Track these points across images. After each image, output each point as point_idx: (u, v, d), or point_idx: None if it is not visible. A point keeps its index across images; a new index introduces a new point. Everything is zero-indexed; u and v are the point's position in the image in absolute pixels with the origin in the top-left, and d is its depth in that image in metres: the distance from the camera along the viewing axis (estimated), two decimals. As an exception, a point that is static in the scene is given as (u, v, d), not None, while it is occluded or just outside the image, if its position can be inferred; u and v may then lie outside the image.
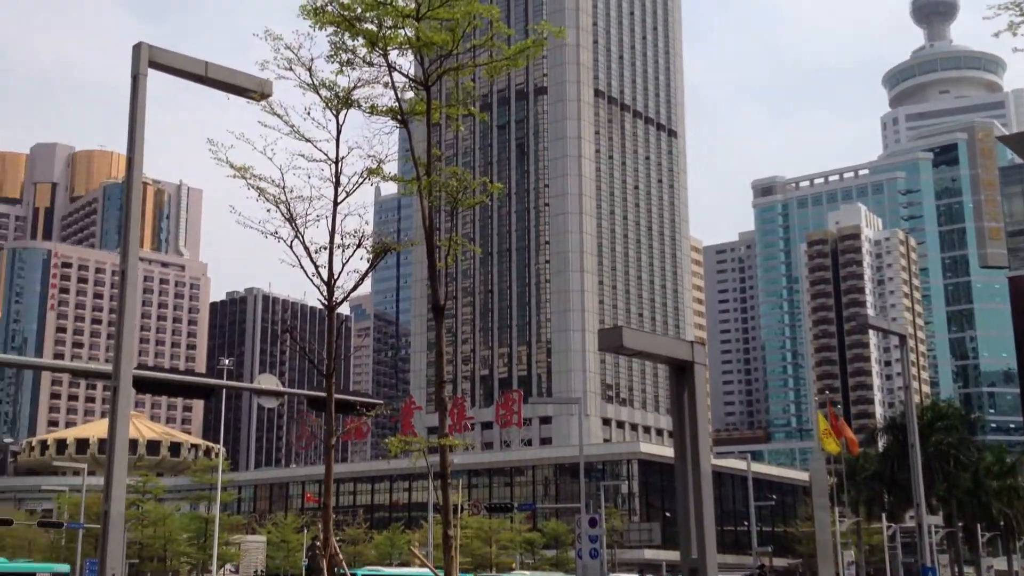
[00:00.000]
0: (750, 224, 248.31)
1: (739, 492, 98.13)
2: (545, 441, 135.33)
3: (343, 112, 17.15)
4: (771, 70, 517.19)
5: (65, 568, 54.53)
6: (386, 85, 17.23)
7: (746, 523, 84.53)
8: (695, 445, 10.94)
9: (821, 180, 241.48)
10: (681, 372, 11.21)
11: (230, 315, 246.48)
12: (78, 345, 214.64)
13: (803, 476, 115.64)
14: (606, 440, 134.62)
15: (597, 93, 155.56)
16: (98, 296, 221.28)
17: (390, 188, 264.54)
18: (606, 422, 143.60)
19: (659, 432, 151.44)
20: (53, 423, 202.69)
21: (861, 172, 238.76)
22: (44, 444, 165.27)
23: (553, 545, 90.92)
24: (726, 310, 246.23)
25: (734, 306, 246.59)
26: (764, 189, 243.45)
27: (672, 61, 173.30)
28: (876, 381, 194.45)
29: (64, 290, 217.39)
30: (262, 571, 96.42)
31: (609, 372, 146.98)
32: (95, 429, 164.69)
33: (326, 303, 17.82)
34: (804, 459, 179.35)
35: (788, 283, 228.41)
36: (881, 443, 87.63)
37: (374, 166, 17.45)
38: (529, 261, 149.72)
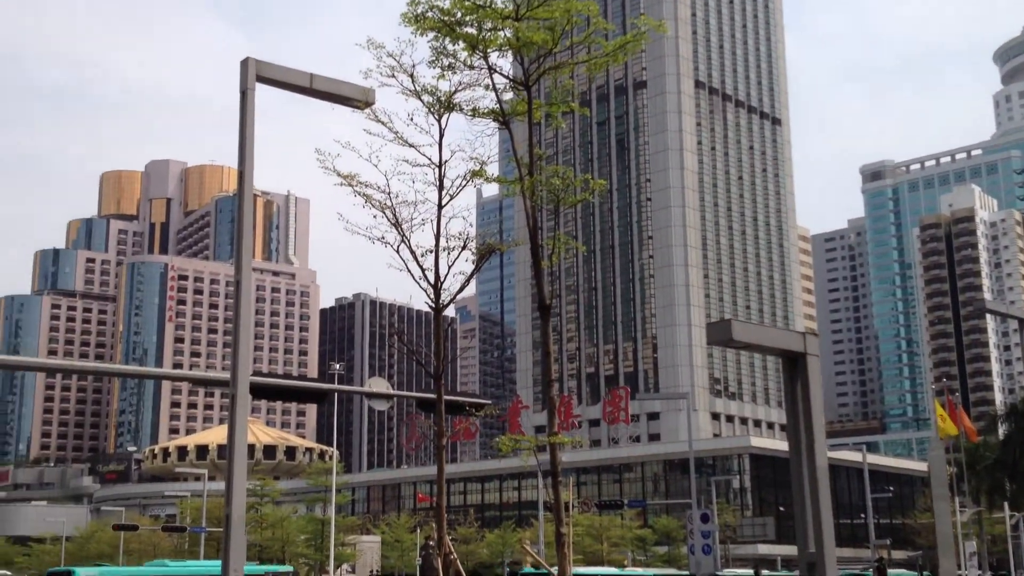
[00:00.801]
0: (859, 210, 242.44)
1: (855, 484, 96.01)
2: (653, 437, 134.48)
3: (445, 116, 17.33)
4: (874, 51, 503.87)
5: (289, 568, 56.22)
6: (487, 87, 17.37)
7: (863, 516, 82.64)
8: (810, 438, 10.78)
9: (932, 162, 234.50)
10: (793, 364, 11.06)
11: (339, 321, 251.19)
12: (195, 354, 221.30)
13: (921, 466, 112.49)
14: (716, 435, 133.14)
15: (698, 84, 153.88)
16: (213, 306, 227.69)
17: (491, 190, 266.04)
18: (715, 417, 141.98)
19: (770, 426, 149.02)
20: (174, 431, 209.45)
21: (974, 152, 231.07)
22: (166, 451, 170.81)
23: (665, 541, 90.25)
24: (836, 299, 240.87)
25: (845, 295, 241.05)
26: (873, 174, 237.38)
27: (773, 47, 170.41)
28: (995, 367, 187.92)
29: (181, 302, 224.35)
30: (377, 571, 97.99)
31: (717, 366, 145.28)
32: (214, 435, 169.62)
33: (433, 306, 18.02)
34: (922, 449, 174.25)
35: (901, 269, 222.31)
36: (1002, 430, 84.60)
37: (477, 168, 17.57)
38: (633, 257, 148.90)
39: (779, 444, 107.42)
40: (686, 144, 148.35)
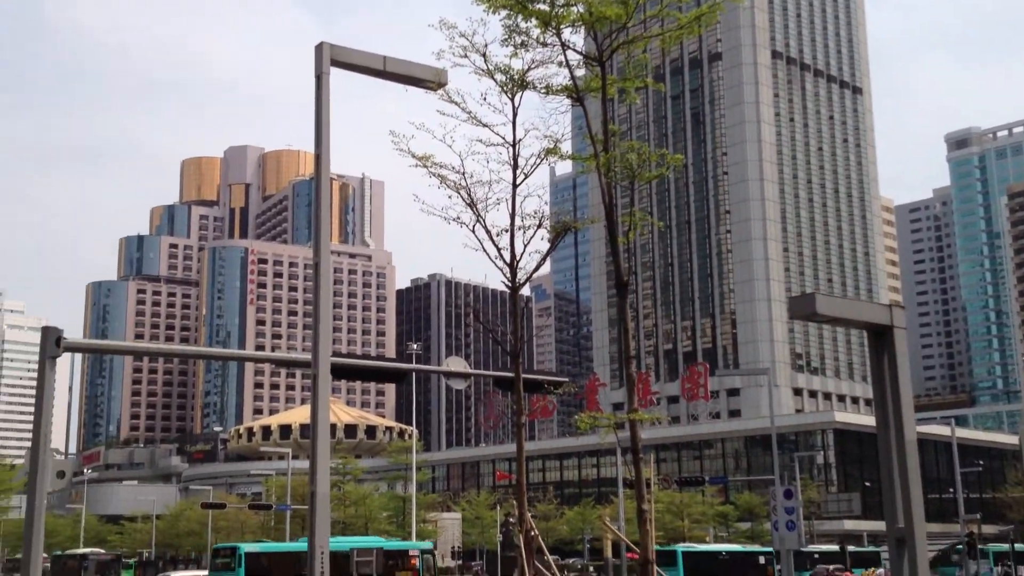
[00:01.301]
0: (945, 180, 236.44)
1: (943, 459, 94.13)
2: (734, 413, 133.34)
3: (518, 94, 17.15)
4: (958, 15, 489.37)
5: (429, 545, 57.92)
6: (560, 64, 17.16)
7: (951, 490, 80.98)
8: (898, 412, 10.52)
9: (1020, 128, 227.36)
10: (880, 337, 10.79)
11: (415, 301, 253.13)
12: (276, 336, 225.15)
13: (1012, 440, 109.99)
14: (798, 410, 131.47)
15: (774, 54, 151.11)
16: (292, 289, 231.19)
17: (564, 168, 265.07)
18: (797, 392, 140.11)
19: (855, 400, 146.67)
20: (258, 411, 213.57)
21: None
22: (251, 431, 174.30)
23: (748, 518, 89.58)
24: (922, 271, 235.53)
25: (931, 266, 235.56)
26: (959, 142, 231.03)
27: (853, 14, 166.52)
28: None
29: (261, 285, 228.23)
30: (459, 547, 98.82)
31: (799, 341, 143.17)
32: (296, 415, 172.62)
33: (509, 285, 17.95)
34: (1012, 422, 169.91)
35: (988, 239, 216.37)
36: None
37: (551, 146, 17.40)
38: (709, 232, 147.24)
39: (864, 419, 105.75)
40: (763, 116, 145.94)
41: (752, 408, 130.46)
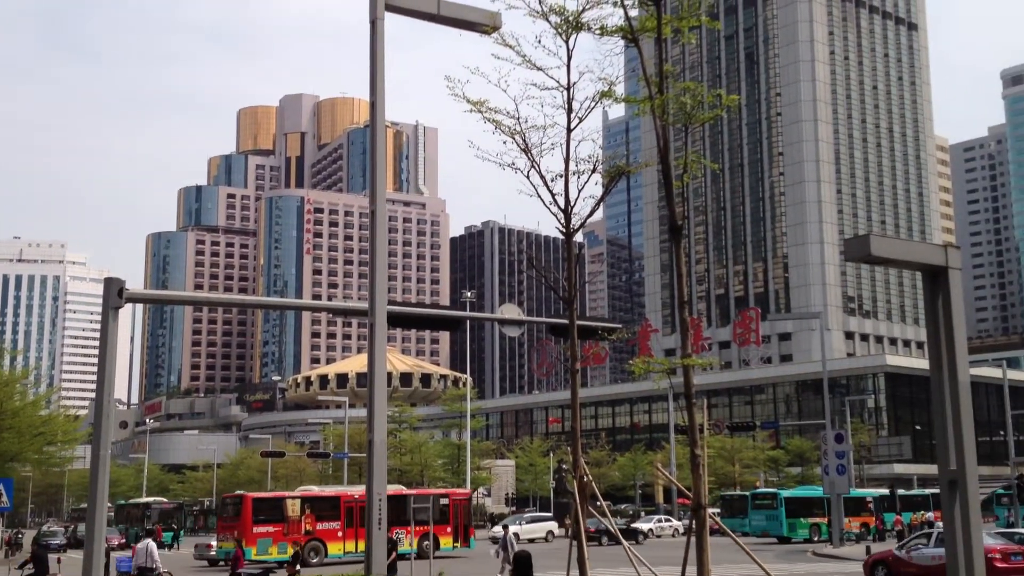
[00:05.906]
0: (1000, 117, 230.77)
1: (994, 401, 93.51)
2: (785, 358, 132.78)
3: (573, 36, 17.00)
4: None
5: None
6: (615, 3, 16.95)
7: (1002, 433, 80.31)
8: (952, 354, 10.54)
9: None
10: (934, 279, 10.79)
11: (469, 249, 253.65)
12: (332, 285, 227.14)
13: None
14: (850, 354, 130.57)
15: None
16: (348, 238, 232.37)
17: (617, 112, 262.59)
18: (849, 336, 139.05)
19: (906, 343, 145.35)
20: (315, 360, 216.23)
21: None
22: (308, 380, 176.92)
23: (798, 462, 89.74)
24: (976, 211, 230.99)
25: (984, 206, 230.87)
26: (1014, 78, 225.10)
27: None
28: None
29: (318, 234, 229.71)
30: (512, 493, 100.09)
31: (851, 284, 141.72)
32: (353, 364, 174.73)
33: (564, 231, 18.00)
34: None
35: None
36: None
37: (606, 89, 17.28)
38: (762, 174, 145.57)
39: (916, 362, 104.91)
40: (818, 55, 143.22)
41: (804, 352, 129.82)
